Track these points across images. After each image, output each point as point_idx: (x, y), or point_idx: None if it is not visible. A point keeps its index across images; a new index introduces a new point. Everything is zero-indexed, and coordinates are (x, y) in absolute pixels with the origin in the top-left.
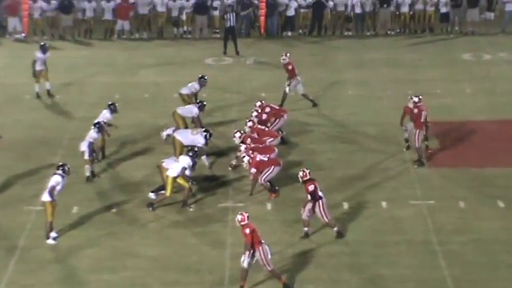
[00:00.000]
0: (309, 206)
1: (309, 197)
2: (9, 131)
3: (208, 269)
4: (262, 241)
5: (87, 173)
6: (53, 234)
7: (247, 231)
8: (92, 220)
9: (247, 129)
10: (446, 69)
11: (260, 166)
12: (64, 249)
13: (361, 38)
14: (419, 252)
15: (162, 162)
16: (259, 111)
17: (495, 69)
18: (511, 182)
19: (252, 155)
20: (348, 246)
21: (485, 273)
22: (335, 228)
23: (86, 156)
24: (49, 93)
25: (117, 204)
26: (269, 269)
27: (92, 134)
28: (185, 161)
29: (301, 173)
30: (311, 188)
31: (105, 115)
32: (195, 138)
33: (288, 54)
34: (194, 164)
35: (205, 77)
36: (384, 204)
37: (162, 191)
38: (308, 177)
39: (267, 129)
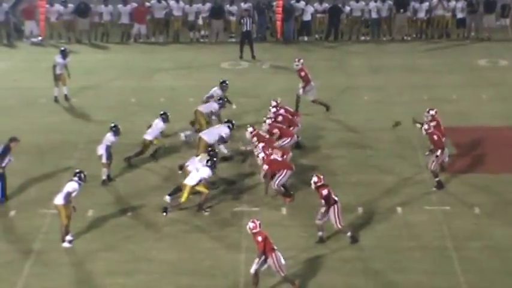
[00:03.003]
0: (323, 210)
1: (323, 202)
2: (26, 135)
3: (223, 273)
4: (275, 247)
5: (104, 177)
6: (68, 237)
7: (259, 239)
8: (107, 224)
9: (264, 129)
10: (462, 74)
11: (272, 165)
12: (79, 252)
13: (377, 43)
14: (435, 258)
15: (187, 165)
16: (275, 110)
17: (511, 75)
18: None
19: (267, 153)
20: (362, 251)
21: (500, 279)
22: (348, 234)
23: (104, 160)
24: (66, 98)
25: (133, 208)
26: (282, 275)
27: (109, 137)
28: (205, 172)
29: (315, 178)
30: (325, 192)
31: (158, 125)
32: (219, 130)
33: (301, 60)
34: (212, 173)
35: (226, 82)
36: (399, 209)
37: (179, 193)
38: (322, 182)
39: (284, 126)
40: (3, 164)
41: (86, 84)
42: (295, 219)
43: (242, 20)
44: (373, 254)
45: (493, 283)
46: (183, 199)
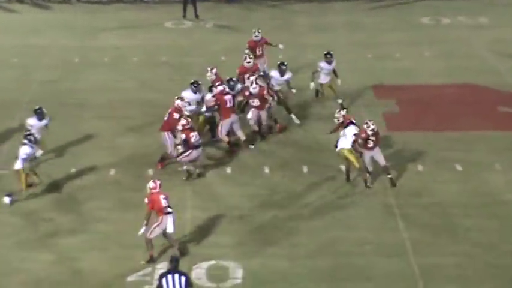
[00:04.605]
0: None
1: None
2: None
3: None
4: (168, 211)
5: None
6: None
7: (146, 200)
8: (52, 184)
9: (253, 91)
10: (405, 32)
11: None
12: (24, 213)
13: (321, 2)
14: (378, 215)
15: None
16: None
17: (454, 33)
18: (469, 146)
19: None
20: (306, 209)
21: (443, 236)
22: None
23: None
24: None
25: (78, 168)
26: (148, 236)
27: (28, 120)
28: (352, 131)
29: (183, 121)
30: (183, 136)
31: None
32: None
33: (260, 30)
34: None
35: (331, 53)
36: (342, 167)
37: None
38: (189, 126)
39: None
40: None
41: (28, 43)
42: (240, 178)
43: None
44: (317, 211)
45: (436, 239)
46: (356, 164)
